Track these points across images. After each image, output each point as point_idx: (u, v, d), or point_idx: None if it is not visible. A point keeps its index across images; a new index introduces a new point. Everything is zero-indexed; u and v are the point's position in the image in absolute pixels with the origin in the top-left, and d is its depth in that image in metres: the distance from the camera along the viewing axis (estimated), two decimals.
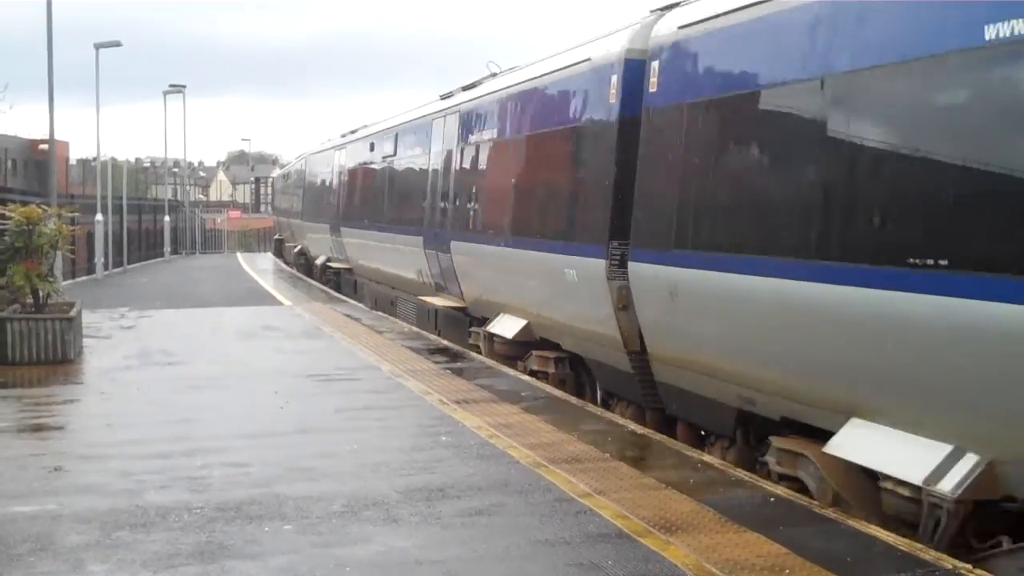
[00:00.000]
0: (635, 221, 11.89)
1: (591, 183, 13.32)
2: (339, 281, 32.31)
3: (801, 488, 8.98)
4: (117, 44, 36.55)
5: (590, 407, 12.31)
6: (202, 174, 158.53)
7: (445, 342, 18.05)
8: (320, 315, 22.29)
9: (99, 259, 34.64)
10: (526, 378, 14.44)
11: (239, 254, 59.19)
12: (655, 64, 11.70)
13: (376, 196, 26.19)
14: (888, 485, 8.07)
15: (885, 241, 7.97)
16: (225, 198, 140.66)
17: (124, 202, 40.96)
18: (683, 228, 10.86)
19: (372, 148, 27.26)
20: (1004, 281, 6.85)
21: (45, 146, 29.84)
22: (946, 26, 7.50)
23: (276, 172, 65.62)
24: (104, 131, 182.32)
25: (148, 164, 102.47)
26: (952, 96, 7.57)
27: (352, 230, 28.94)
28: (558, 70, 14.89)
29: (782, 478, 9.29)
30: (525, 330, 15.75)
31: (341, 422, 11.32)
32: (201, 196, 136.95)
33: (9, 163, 57.80)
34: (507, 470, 9.12)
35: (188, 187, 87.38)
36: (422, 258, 21.03)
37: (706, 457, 9.74)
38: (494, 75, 19.56)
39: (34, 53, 26.41)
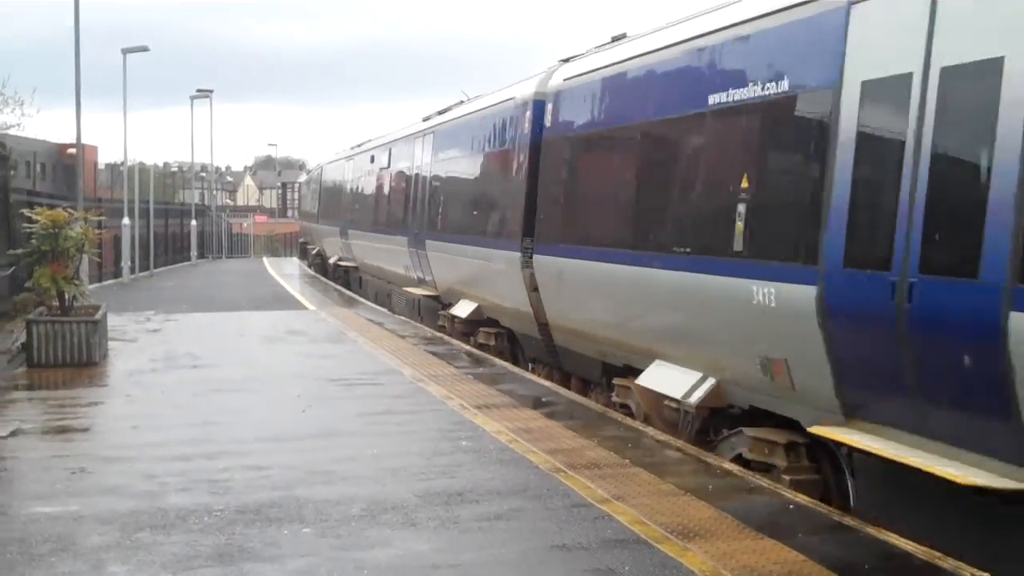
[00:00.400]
0: (538, 222, 15.96)
1: (512, 193, 17.19)
2: (348, 278, 35.47)
3: (630, 412, 12.64)
4: (144, 49, 36.76)
5: (611, 413, 12.33)
6: (229, 179, 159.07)
7: (467, 347, 18.10)
8: (344, 319, 22.37)
9: (126, 263, 34.84)
10: (547, 383, 14.47)
11: (265, 258, 59.44)
12: (549, 105, 15.98)
13: (373, 202, 29.65)
14: (665, 401, 11.73)
15: (662, 237, 12.00)
16: (252, 203, 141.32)
17: (151, 206, 41.22)
18: (565, 227, 14.97)
19: (372, 160, 30.57)
20: (713, 261, 10.61)
21: (73, 150, 30.02)
22: (693, 96, 11.37)
23: (303, 177, 65.87)
24: (132, 136, 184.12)
25: (176, 169, 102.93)
26: (697, 139, 11.57)
27: (356, 232, 32.22)
28: (496, 104, 18.81)
29: (621, 406, 12.97)
30: (476, 311, 19.48)
31: (362, 426, 11.36)
32: (228, 200, 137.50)
33: (38, 167, 58.19)
34: (526, 475, 9.14)
35: (215, 191, 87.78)
36: (407, 255, 24.40)
37: (725, 464, 9.74)
38: (461, 102, 23.01)
39: (63, 58, 26.71)
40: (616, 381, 13.35)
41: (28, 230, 16.40)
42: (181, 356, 16.61)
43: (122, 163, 40.77)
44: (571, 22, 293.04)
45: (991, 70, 7.35)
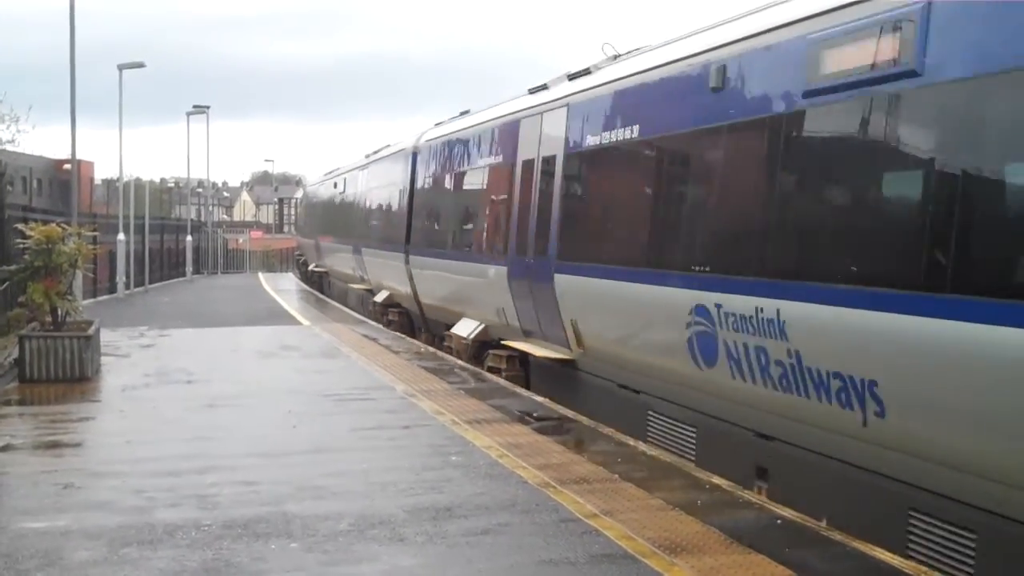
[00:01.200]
0: (412, 233, 23.54)
1: (401, 213, 24.88)
2: (321, 281, 42.05)
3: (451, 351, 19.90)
4: (140, 65, 36.80)
5: (602, 428, 12.31)
6: (226, 194, 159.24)
7: (460, 362, 18.10)
8: (338, 335, 22.38)
9: (120, 278, 34.86)
10: (539, 399, 14.46)
11: (261, 274, 59.43)
12: (416, 156, 24.15)
13: (335, 216, 36.88)
14: (462, 340, 18.76)
15: (462, 242, 19.45)
16: (249, 218, 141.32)
17: (147, 221, 41.22)
18: (422, 237, 22.81)
19: (335, 186, 37.58)
20: (477, 255, 18.15)
21: (69, 166, 30.04)
22: (470, 160, 19.87)
23: (299, 193, 66.06)
24: (129, 152, 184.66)
25: (172, 184, 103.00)
26: (471, 186, 19.68)
27: (324, 242, 39.23)
28: (392, 153, 27.39)
29: (447, 347, 20.25)
30: (388, 297, 26.84)
31: (353, 441, 11.36)
32: (225, 216, 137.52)
33: (34, 182, 58.18)
34: (515, 490, 9.14)
35: (212, 207, 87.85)
36: (352, 259, 31.82)
37: (715, 479, 9.72)
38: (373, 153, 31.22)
39: (59, 74, 26.80)
40: (445, 333, 20.73)
41: (22, 246, 16.41)
42: (174, 371, 16.61)
43: (118, 179, 40.78)
44: (570, 28, 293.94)
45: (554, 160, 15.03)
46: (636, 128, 12.55)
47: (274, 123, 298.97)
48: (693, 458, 11.05)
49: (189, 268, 50.35)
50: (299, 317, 27.52)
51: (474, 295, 18.69)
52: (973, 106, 7.54)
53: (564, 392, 14.82)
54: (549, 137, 15.48)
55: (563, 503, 8.70)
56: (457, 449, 10.82)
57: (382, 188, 27.66)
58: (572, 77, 15.75)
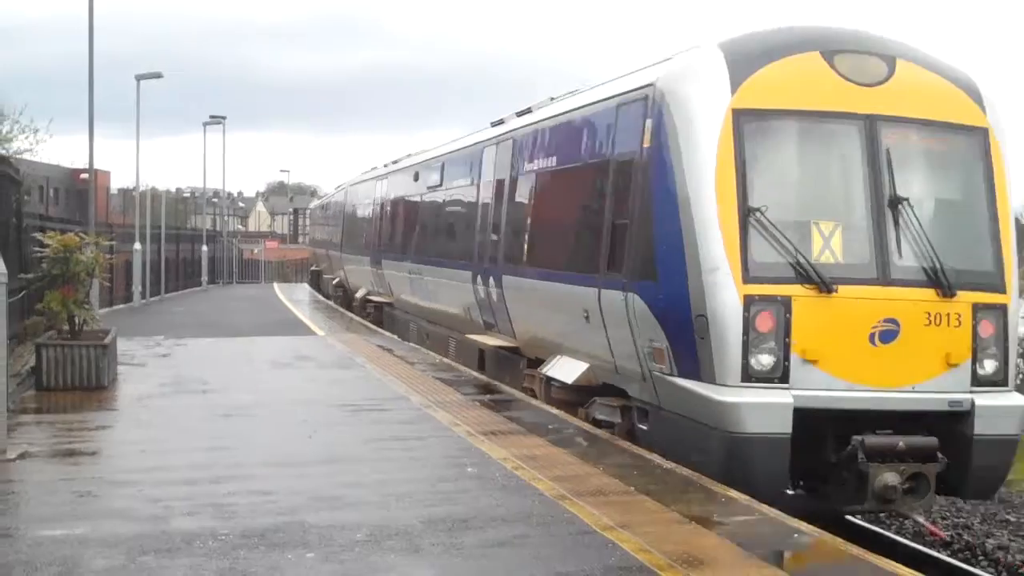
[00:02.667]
0: (383, 242, 28.28)
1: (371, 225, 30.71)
2: (345, 295, 41.14)
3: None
4: (158, 75, 36.93)
5: (618, 440, 12.29)
6: (241, 204, 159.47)
7: (475, 373, 18.09)
8: (353, 345, 22.38)
9: (136, 287, 34.93)
10: (555, 411, 14.41)
11: (276, 284, 59.48)
12: (351, 189, 36.73)
13: (348, 228, 37.08)
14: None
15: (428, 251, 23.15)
16: (264, 228, 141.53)
17: (163, 231, 41.30)
18: (391, 244, 27.15)
19: (345, 196, 38.81)
20: (441, 259, 21.65)
21: (86, 175, 30.15)
22: (418, 184, 25.23)
23: (314, 203, 66.16)
24: (146, 161, 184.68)
25: (188, 194, 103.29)
26: (428, 205, 24.09)
27: (339, 253, 39.64)
28: (365, 179, 34.26)
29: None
30: (368, 292, 31.50)
31: (368, 452, 11.37)
32: (240, 226, 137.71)
33: (51, 192, 58.42)
34: (531, 502, 9.14)
35: (227, 217, 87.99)
36: (368, 268, 32.06)
37: (731, 492, 9.68)
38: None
39: (78, 84, 26.81)
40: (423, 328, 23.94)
41: (39, 254, 16.46)
42: (190, 381, 16.64)
43: (134, 188, 40.91)
44: (593, 35, 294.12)
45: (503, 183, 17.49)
46: (532, 162, 16.23)
47: (290, 134, 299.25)
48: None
49: (204, 278, 50.41)
50: (314, 327, 27.55)
51: (448, 296, 20.90)
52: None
53: (506, 373, 17.13)
54: (502, 163, 17.66)
55: (579, 515, 8.69)
56: (473, 460, 10.81)
57: (365, 205, 32.92)
58: (520, 114, 17.98)
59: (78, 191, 60.02)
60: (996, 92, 11.78)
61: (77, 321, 15.99)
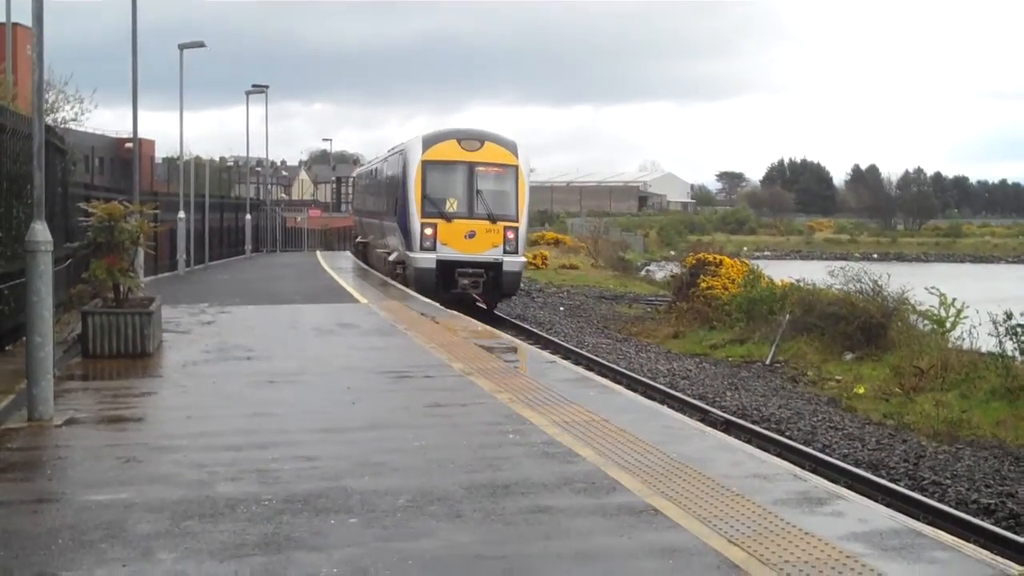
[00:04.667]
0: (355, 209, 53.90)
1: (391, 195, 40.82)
2: (366, 251, 46.84)
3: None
4: (200, 45, 37.05)
5: (663, 409, 12.29)
6: (284, 173, 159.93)
7: (517, 342, 18.09)
8: (395, 313, 22.44)
9: (181, 255, 35.16)
10: (599, 379, 14.45)
11: (319, 252, 59.74)
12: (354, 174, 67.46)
13: (371, 197, 44.15)
14: (389, 259, 35.60)
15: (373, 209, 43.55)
16: (307, 197, 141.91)
17: (207, 200, 41.52)
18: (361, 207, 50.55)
19: (372, 170, 46.03)
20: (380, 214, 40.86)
21: (130, 144, 30.28)
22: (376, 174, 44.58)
23: (356, 171, 66.68)
24: (190, 131, 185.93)
25: (232, 163, 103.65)
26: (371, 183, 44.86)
27: (362, 218, 48.67)
28: (384, 158, 41.94)
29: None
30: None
31: (411, 418, 11.39)
32: (283, 195, 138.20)
33: (96, 161, 58.73)
34: (572, 468, 9.13)
35: (270, 186, 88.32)
36: (382, 228, 39.06)
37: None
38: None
39: (125, 54, 26.78)
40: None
41: (85, 223, 16.57)
42: (234, 348, 16.74)
43: (179, 157, 41.11)
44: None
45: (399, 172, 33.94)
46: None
47: (336, 105, 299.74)
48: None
49: (248, 246, 50.71)
50: (356, 295, 27.62)
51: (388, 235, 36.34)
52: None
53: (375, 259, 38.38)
54: (395, 164, 34.51)
55: (621, 482, 8.68)
56: (514, 427, 10.82)
57: (382, 181, 39.75)
58: (389, 151, 36.88)
59: (123, 160, 60.32)
60: (523, 148, 31.60)
61: (122, 289, 16.10)
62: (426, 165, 30.59)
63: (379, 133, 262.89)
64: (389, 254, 35.07)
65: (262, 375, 14.15)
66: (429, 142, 31.16)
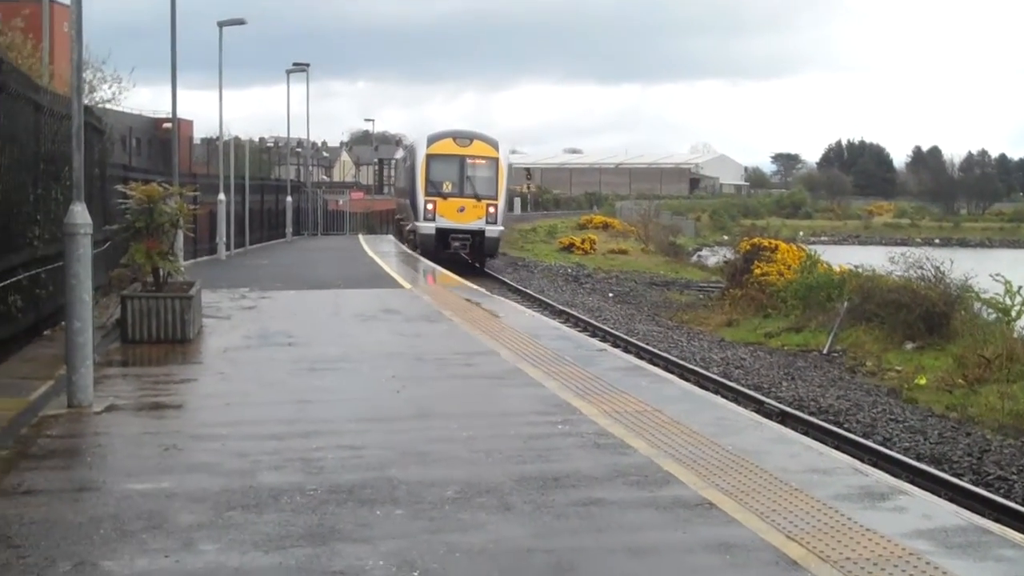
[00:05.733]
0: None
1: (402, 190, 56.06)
2: (400, 228, 55.35)
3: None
4: (241, 22, 37.21)
5: (717, 399, 12.25)
6: (325, 154, 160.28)
7: (565, 328, 18.08)
8: (440, 298, 22.50)
9: (221, 239, 35.36)
10: (651, 367, 14.42)
11: (361, 236, 59.95)
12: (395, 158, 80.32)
13: (399, 182, 58.41)
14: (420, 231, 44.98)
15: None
16: (348, 179, 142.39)
17: (247, 182, 41.73)
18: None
19: (401, 158, 59.05)
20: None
21: (169, 125, 30.51)
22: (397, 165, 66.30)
23: (399, 153, 67.43)
24: (232, 111, 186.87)
25: (272, 144, 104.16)
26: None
27: (397, 197, 60.99)
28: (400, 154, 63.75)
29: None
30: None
31: (457, 407, 11.42)
32: (324, 177, 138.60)
33: (134, 141, 59.17)
34: (625, 460, 9.12)
35: (311, 167, 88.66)
36: (403, 205, 51.20)
37: (834, 454, 9.63)
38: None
39: (163, 32, 26.92)
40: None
41: (123, 205, 16.70)
42: (275, 334, 16.83)
43: (218, 138, 41.37)
44: None
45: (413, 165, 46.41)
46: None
47: (378, 82, 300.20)
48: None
49: (289, 229, 50.92)
50: (400, 280, 27.70)
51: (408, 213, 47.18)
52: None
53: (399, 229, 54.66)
54: (410, 156, 47.42)
55: (676, 475, 8.66)
56: (564, 417, 10.82)
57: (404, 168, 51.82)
58: (429, 138, 43.67)
59: (161, 141, 60.78)
60: (504, 144, 44.81)
61: (162, 273, 16.22)
62: (429, 157, 42.72)
63: (423, 112, 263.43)
64: (406, 224, 49.41)
65: (304, 362, 14.22)
66: (432, 140, 43.37)
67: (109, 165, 22.45)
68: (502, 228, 44.25)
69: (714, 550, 7.00)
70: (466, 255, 43.09)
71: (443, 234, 42.28)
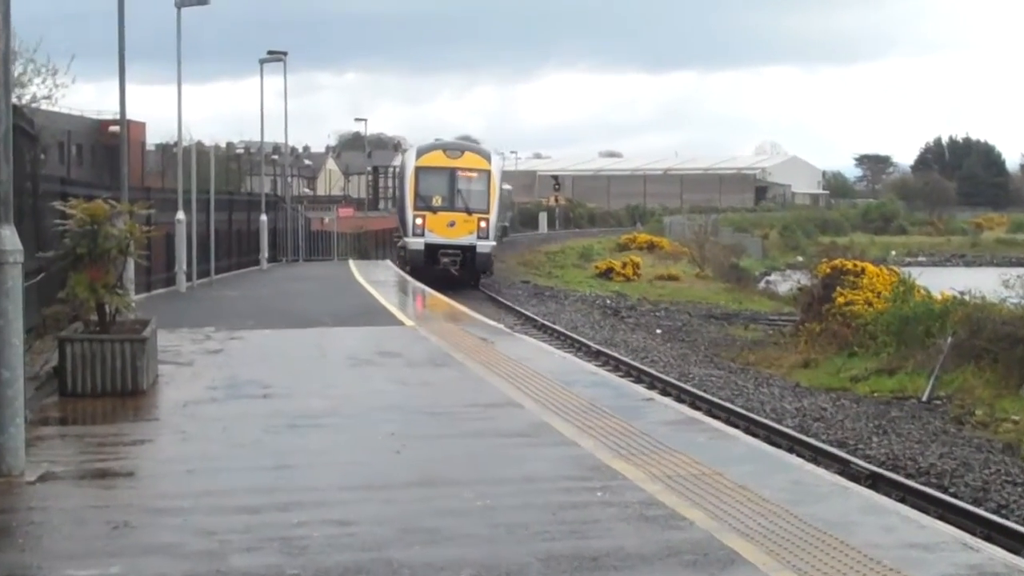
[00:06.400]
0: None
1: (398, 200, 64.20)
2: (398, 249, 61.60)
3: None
4: (203, 2, 37.27)
5: (792, 458, 12.22)
6: (308, 162, 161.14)
7: (604, 372, 18.10)
8: (449, 338, 22.52)
9: (180, 267, 35.37)
10: (709, 420, 14.41)
11: (352, 261, 60.09)
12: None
13: (394, 195, 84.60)
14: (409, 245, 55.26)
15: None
16: (336, 192, 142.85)
17: (212, 197, 41.66)
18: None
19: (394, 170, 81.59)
20: None
21: (116, 128, 30.64)
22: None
23: (397, 159, 68.59)
24: (190, 111, 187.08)
25: (242, 150, 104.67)
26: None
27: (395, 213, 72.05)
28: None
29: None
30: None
31: (471, 472, 11.42)
32: (307, 189, 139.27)
33: (73, 148, 59.55)
34: (678, 535, 9.11)
35: (291, 178, 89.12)
36: (397, 220, 60.41)
37: (938, 526, 9.59)
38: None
39: (108, 14, 26.89)
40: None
41: (61, 227, 16.71)
42: (248, 383, 16.87)
43: (175, 144, 41.45)
44: None
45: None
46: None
47: (371, 74, 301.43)
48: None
49: (264, 254, 51.02)
50: (399, 315, 27.76)
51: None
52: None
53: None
54: (400, 169, 58.22)
55: (741, 553, 8.65)
56: (603, 483, 10.82)
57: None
58: (419, 150, 53.84)
59: (107, 148, 61.11)
60: (496, 155, 56.96)
61: (108, 310, 16.23)
62: (418, 170, 50.81)
63: (427, 110, 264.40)
64: (398, 239, 57.04)
65: (283, 417, 14.24)
66: (421, 152, 52.44)
67: (43, 178, 22.53)
68: (494, 243, 52.70)
69: None
70: (456, 271, 49.74)
71: (432, 250, 49.67)
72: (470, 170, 50.19)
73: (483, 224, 49.42)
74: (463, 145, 53.09)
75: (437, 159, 50.66)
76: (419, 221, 49.61)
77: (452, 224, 49.25)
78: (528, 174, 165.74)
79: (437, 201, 49.69)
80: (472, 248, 49.40)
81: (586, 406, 14.90)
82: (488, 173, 50.50)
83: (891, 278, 33.75)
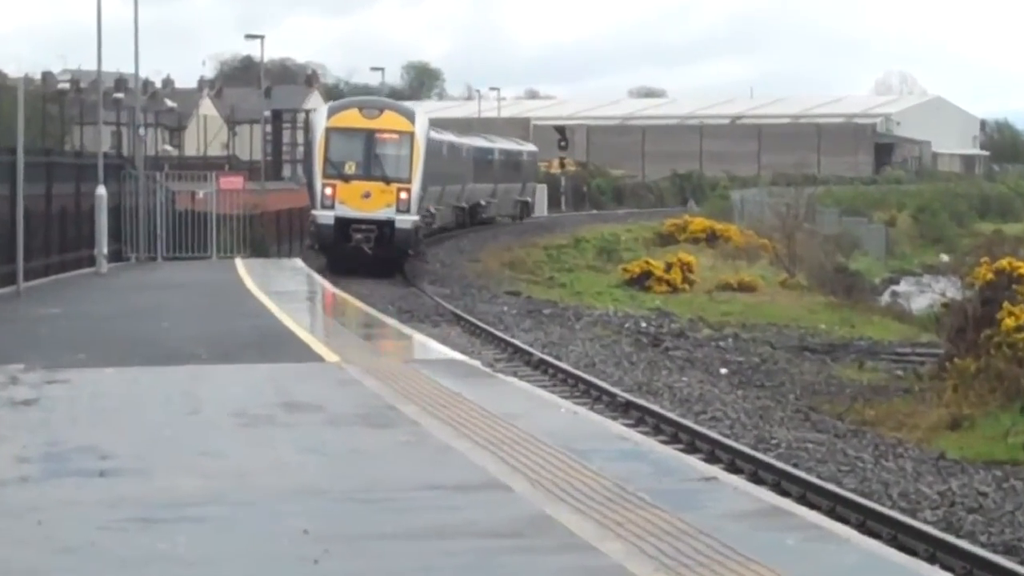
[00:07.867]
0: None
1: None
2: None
3: None
4: None
5: (932, 570, 12.20)
6: (171, 104, 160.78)
7: (636, 435, 18.10)
8: (395, 381, 22.45)
9: None
10: (802, 511, 14.43)
11: (240, 261, 60.05)
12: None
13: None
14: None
15: None
16: (215, 152, 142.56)
17: (19, 158, 41.52)
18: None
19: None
20: None
21: None
22: None
23: (311, 103, 71.00)
24: None
25: (68, 84, 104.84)
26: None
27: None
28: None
29: None
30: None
31: None
32: (169, 147, 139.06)
33: None
34: None
35: (144, 129, 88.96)
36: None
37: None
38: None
39: None
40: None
41: None
42: (77, 452, 16.83)
43: None
44: None
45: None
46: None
47: None
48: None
49: (102, 249, 50.89)
50: (317, 345, 27.72)
51: None
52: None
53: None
54: (309, 130, 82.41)
55: None
56: None
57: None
58: (331, 108, 78.03)
59: None
60: (422, 115, 78.36)
61: None
62: (329, 132, 63.92)
63: (360, 23, 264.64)
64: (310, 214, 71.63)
65: (132, 507, 14.19)
66: (333, 111, 66.67)
67: None
68: (417, 218, 67.55)
69: None
70: (369, 250, 64.03)
71: (344, 224, 64.30)
72: (390, 132, 64.45)
73: (404, 195, 63.39)
74: (382, 102, 68.04)
75: (351, 119, 65.18)
76: (328, 191, 63.65)
77: (367, 195, 63.61)
78: (517, 123, 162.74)
79: (350, 168, 64.09)
80: (390, 223, 63.60)
81: (611, 490, 14.88)
82: (411, 136, 64.33)
83: None
